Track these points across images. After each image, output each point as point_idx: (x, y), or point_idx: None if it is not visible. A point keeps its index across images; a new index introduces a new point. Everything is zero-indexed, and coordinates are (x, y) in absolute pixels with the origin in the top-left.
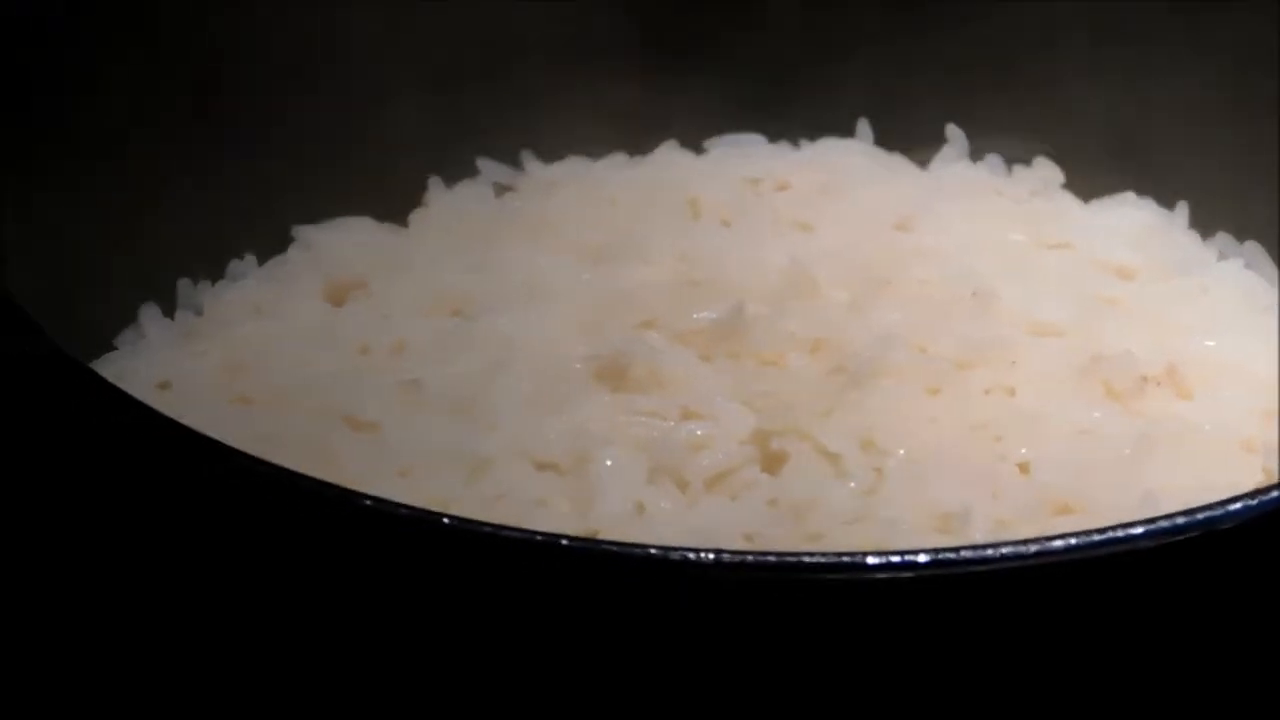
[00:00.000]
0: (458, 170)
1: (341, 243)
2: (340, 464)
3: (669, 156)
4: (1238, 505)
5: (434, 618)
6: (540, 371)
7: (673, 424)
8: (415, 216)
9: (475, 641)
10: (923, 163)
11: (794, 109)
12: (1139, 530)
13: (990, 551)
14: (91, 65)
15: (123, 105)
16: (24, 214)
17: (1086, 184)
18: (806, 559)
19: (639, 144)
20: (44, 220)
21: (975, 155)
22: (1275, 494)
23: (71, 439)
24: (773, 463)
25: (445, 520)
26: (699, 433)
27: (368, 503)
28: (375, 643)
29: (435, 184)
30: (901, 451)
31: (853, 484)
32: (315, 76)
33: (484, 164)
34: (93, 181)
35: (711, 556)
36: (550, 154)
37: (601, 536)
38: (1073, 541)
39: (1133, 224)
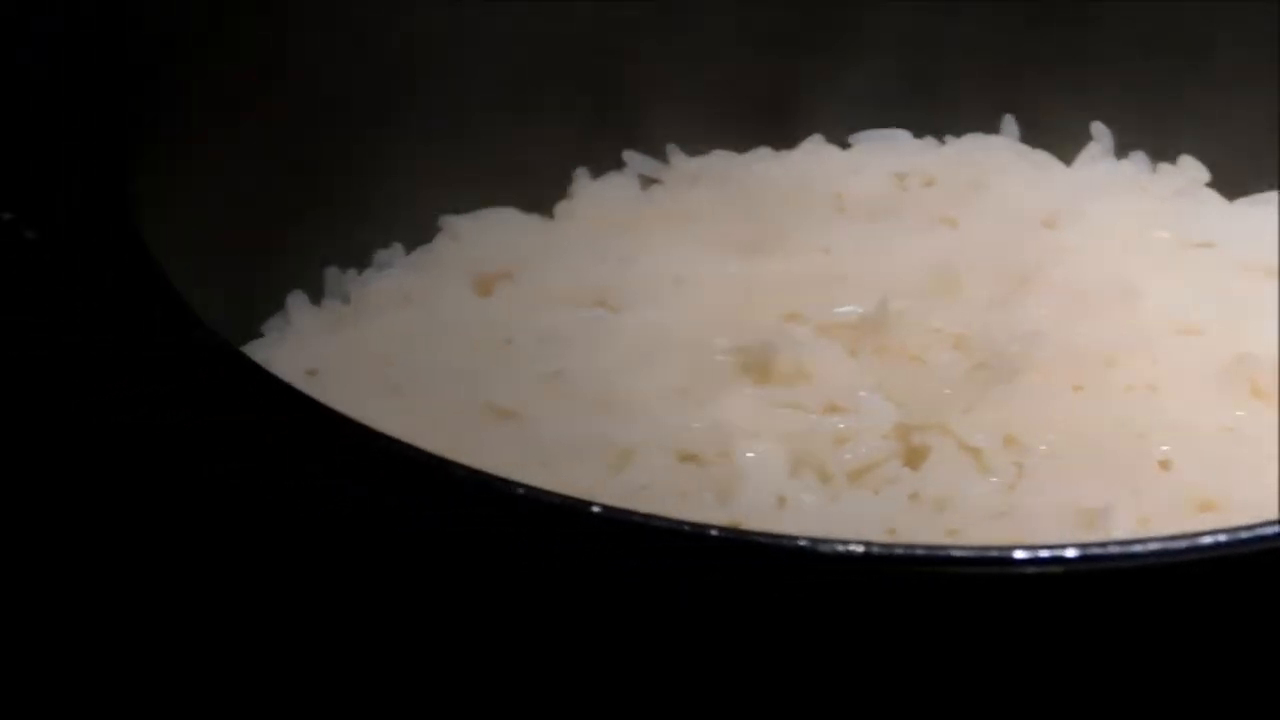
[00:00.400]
0: (603, 162)
1: (488, 233)
2: (484, 453)
3: (814, 150)
4: None
5: (583, 606)
6: (684, 363)
7: (816, 417)
8: (561, 208)
9: (623, 630)
10: (1067, 160)
11: (939, 104)
12: None
13: (1139, 547)
14: (245, 58)
15: (273, 97)
16: (176, 204)
17: (1231, 182)
18: (955, 552)
19: (784, 138)
20: (194, 210)
21: (1120, 153)
22: None
23: (230, 426)
24: (914, 457)
25: (595, 509)
26: (841, 426)
27: (520, 491)
28: (524, 629)
29: (581, 175)
30: (1043, 447)
31: (994, 479)
32: (464, 68)
33: (629, 156)
34: (241, 170)
35: (861, 549)
36: (695, 147)
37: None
38: (1221, 538)
39: (1277, 223)
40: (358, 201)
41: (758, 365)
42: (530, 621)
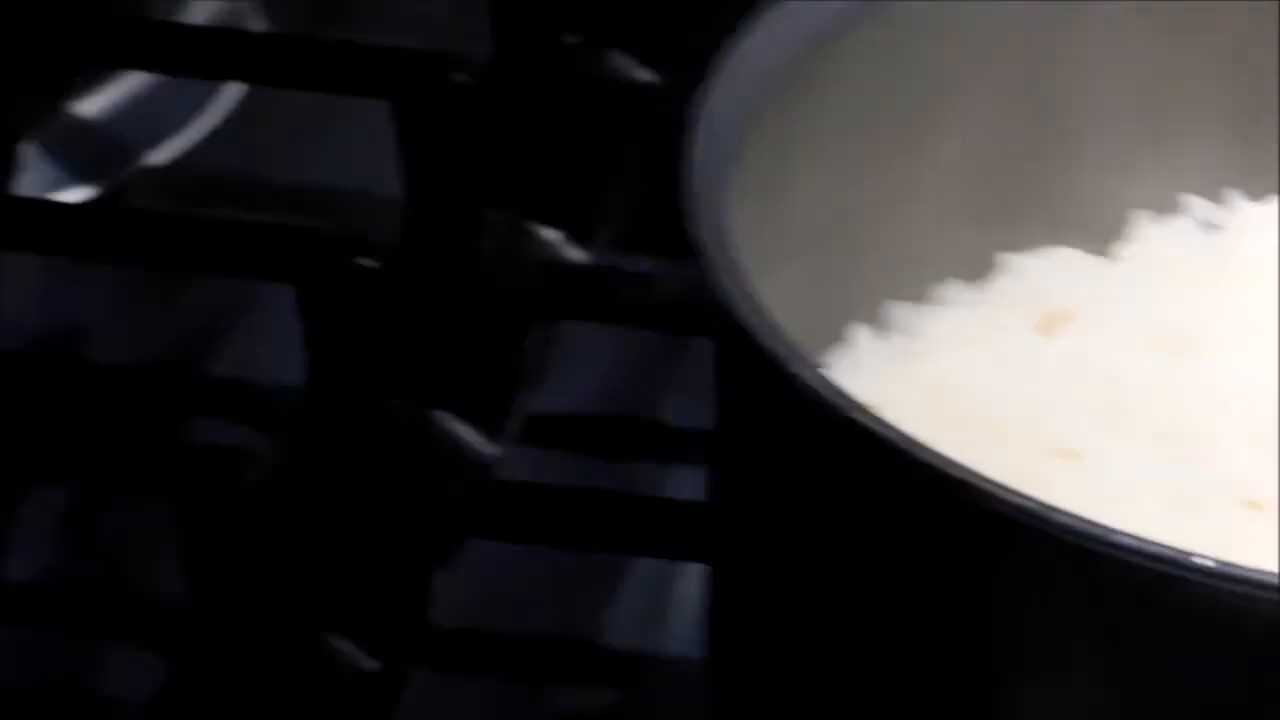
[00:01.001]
0: (1163, 205)
1: (1049, 272)
2: (1049, 494)
3: None
4: None
5: (1186, 665)
6: (1252, 412)
7: None
8: (1121, 250)
9: (1206, 687)
10: None
11: None
12: None
13: None
14: (826, 94)
15: (844, 131)
16: (748, 236)
17: None
18: None
19: None
20: (762, 242)
21: None
22: None
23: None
24: None
25: (1199, 561)
26: None
27: (1124, 539)
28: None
29: (1140, 218)
30: None
31: None
32: (1029, 104)
33: (1188, 200)
34: (812, 207)
35: None
36: (1258, 193)
37: None
38: None
39: None
40: (916, 237)
41: None
42: (1110, 670)
